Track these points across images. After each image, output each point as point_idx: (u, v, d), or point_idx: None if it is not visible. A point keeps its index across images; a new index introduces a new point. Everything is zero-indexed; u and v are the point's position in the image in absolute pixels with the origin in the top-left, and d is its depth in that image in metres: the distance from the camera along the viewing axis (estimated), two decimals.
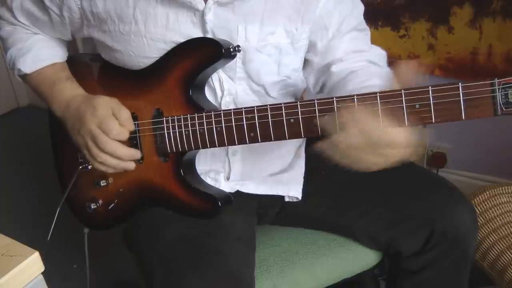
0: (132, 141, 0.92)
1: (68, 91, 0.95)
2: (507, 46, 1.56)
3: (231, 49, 0.84)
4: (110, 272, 1.65)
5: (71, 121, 0.92)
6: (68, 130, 0.94)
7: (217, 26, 0.85)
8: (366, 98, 0.70)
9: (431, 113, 0.67)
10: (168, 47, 0.87)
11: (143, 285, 0.93)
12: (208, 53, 0.84)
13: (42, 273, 0.67)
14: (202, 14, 0.84)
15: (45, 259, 0.66)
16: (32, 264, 0.65)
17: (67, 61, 1.02)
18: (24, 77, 1.00)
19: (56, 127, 1.00)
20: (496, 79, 0.63)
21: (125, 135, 0.88)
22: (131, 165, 0.91)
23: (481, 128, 1.71)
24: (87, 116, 0.88)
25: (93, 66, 1.00)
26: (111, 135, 0.86)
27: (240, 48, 0.85)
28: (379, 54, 1.00)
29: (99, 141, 0.86)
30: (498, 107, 0.63)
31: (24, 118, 2.88)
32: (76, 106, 0.92)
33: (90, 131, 0.87)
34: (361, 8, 0.97)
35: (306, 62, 0.99)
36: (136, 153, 0.90)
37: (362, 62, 0.96)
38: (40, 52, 0.98)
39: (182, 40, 0.86)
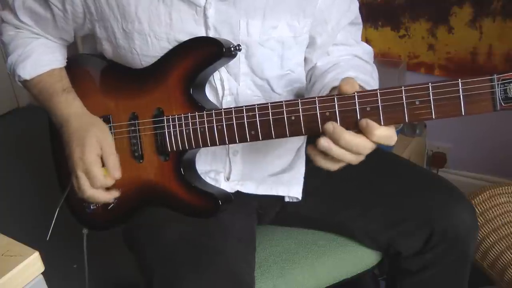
0: (132, 141, 0.92)
1: (63, 108, 0.95)
2: (507, 46, 1.56)
3: (232, 48, 0.84)
4: (110, 272, 1.65)
5: (65, 141, 0.94)
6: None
7: (219, 21, 0.85)
8: (366, 95, 0.71)
9: (431, 109, 0.67)
10: (171, 46, 0.87)
11: (143, 285, 0.93)
12: (209, 52, 0.84)
13: (42, 273, 0.67)
14: (204, 10, 0.84)
15: (45, 259, 0.66)
16: (32, 264, 0.65)
17: (69, 60, 1.02)
18: (25, 83, 0.99)
19: (56, 129, 1.00)
20: (495, 74, 0.64)
21: (108, 184, 0.91)
22: (111, 201, 0.95)
23: (482, 128, 1.71)
24: (76, 157, 0.90)
25: (94, 65, 0.99)
26: (95, 186, 0.90)
27: (241, 47, 0.85)
28: (365, 50, 1.02)
29: (81, 187, 0.90)
30: (497, 103, 0.64)
31: (24, 118, 2.88)
32: (69, 133, 0.93)
33: (76, 175, 0.91)
34: (356, 3, 0.98)
35: (305, 59, 0.99)
36: (114, 196, 0.94)
37: (346, 56, 0.98)
38: (39, 57, 0.97)
39: (185, 38, 0.86)
